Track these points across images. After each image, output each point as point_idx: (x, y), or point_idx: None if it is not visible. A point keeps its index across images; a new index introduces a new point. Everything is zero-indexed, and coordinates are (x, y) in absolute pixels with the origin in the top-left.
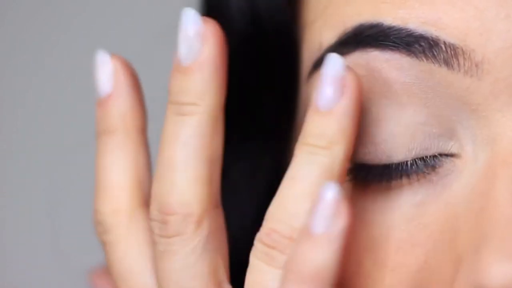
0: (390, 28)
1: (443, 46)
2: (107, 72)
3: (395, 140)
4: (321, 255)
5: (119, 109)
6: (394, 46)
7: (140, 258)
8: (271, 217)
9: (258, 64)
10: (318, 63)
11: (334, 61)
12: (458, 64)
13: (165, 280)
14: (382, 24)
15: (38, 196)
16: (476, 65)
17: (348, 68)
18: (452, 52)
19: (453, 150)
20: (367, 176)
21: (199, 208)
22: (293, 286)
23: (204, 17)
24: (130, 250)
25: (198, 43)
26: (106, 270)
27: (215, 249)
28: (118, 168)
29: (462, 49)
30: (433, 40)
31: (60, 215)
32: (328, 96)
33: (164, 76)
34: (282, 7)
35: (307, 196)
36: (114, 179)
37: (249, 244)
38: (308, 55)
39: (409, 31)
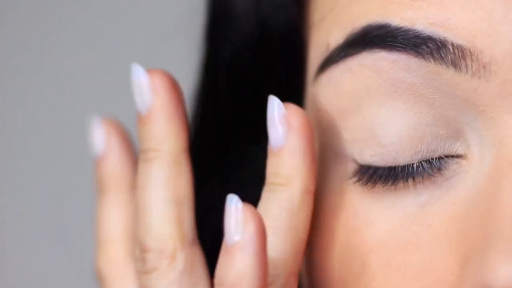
0: (397, 29)
1: (450, 47)
2: (99, 135)
3: (402, 142)
4: (238, 263)
5: (110, 170)
6: (402, 47)
7: None
8: None
9: (264, 64)
10: (325, 64)
11: (274, 103)
12: (466, 66)
13: None
14: (390, 25)
15: (38, 196)
16: (484, 67)
17: (290, 106)
18: (460, 54)
19: (460, 151)
20: (372, 177)
21: (171, 245)
22: None
23: (151, 69)
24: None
25: (148, 94)
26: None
27: (193, 283)
28: (111, 223)
29: (470, 51)
30: (440, 42)
31: (61, 214)
32: (275, 137)
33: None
34: (289, 7)
35: (272, 230)
36: (108, 233)
37: None
38: (315, 56)
39: (417, 32)
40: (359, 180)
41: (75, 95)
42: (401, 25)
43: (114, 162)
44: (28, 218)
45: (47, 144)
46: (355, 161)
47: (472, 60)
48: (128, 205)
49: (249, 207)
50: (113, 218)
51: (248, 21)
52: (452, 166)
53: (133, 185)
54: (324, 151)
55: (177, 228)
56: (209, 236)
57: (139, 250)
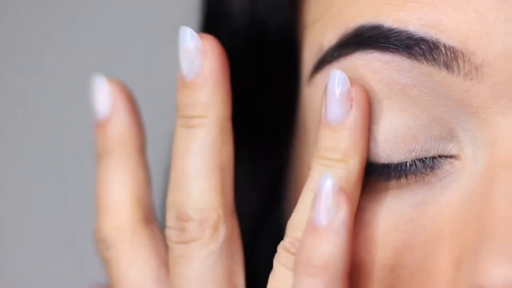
0: (390, 30)
1: (443, 49)
2: (104, 96)
3: (397, 140)
4: (328, 246)
5: (117, 131)
6: (395, 48)
7: (143, 273)
8: (294, 226)
9: (258, 64)
10: (319, 65)
11: (338, 77)
12: (458, 67)
13: (181, 286)
14: (383, 26)
15: (38, 196)
16: (476, 68)
17: (354, 81)
18: (452, 55)
19: (453, 151)
20: (366, 173)
21: (214, 215)
22: (305, 280)
23: (201, 33)
24: (133, 265)
25: (198, 58)
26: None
27: (231, 255)
28: (118, 187)
29: (462, 52)
30: (433, 43)
31: (62, 215)
32: (336, 111)
33: (163, 76)
34: (284, 7)
35: None
36: (115, 197)
37: (249, 246)
38: (309, 56)
39: (409, 33)
40: None
41: (75, 95)
42: (394, 26)
43: (120, 124)
44: (28, 218)
45: (48, 144)
46: None
47: (464, 61)
48: (136, 168)
49: (343, 191)
50: (120, 182)
51: (243, 21)
52: (446, 166)
53: (141, 148)
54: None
55: (220, 197)
56: None
57: (175, 219)
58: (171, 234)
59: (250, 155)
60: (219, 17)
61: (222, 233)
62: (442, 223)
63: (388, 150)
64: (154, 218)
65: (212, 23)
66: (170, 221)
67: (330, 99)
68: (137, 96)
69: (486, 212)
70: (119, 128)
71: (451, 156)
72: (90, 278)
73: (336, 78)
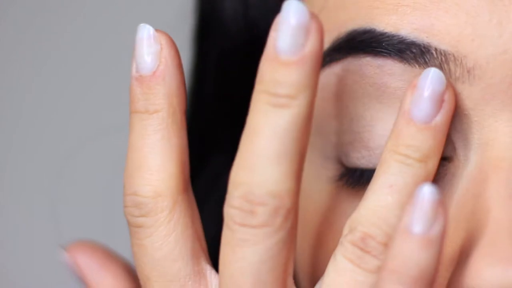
0: (382, 34)
1: (434, 52)
2: (152, 49)
3: None
4: (425, 256)
5: (165, 88)
6: (386, 53)
7: (178, 246)
8: (364, 221)
9: (252, 68)
10: None
11: (436, 76)
12: (450, 71)
13: (240, 269)
14: (375, 30)
15: (39, 196)
16: (468, 71)
17: (448, 83)
18: (443, 59)
19: (446, 153)
20: (360, 180)
21: (289, 202)
22: (393, 287)
23: (311, 11)
24: (168, 237)
25: (303, 37)
26: (92, 246)
27: (291, 244)
28: (162, 150)
29: (454, 56)
30: (424, 47)
31: (62, 214)
32: (426, 110)
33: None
34: (276, 11)
35: (402, 206)
36: (158, 160)
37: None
38: None
39: (401, 37)
40: (347, 182)
41: (75, 95)
42: (386, 30)
43: (169, 82)
44: (28, 218)
45: (48, 143)
46: (342, 163)
47: (456, 65)
48: (181, 132)
49: (442, 201)
50: (165, 145)
51: (237, 25)
52: (439, 168)
53: (185, 111)
54: (312, 154)
55: (296, 184)
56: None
57: (243, 200)
58: (235, 214)
59: None
60: (212, 21)
61: (290, 221)
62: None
63: (380, 154)
64: (191, 187)
65: (206, 26)
66: (236, 200)
67: (422, 96)
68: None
69: (478, 214)
70: (167, 86)
71: (443, 158)
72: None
73: (433, 76)
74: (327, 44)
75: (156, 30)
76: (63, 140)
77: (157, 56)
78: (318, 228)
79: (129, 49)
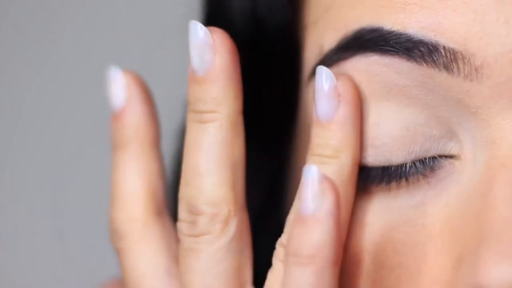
0: (390, 33)
1: (442, 51)
2: (119, 87)
3: (395, 142)
4: (316, 235)
5: (132, 123)
6: (394, 51)
7: (153, 264)
8: (288, 224)
9: (258, 65)
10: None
11: (324, 74)
12: (458, 69)
13: (190, 279)
14: (382, 29)
15: (39, 196)
16: (476, 70)
17: (341, 76)
18: (452, 57)
19: (453, 151)
20: (366, 179)
21: (225, 209)
22: (295, 270)
23: (212, 27)
24: (143, 256)
25: (209, 53)
26: (117, 282)
27: (240, 250)
28: (132, 179)
29: (462, 54)
30: (432, 46)
31: (62, 215)
32: (325, 108)
33: (164, 76)
34: (284, 8)
35: None
36: (129, 188)
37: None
38: (309, 57)
39: (409, 36)
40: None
41: (76, 94)
42: (393, 29)
43: (135, 115)
44: (28, 218)
45: (48, 143)
46: None
47: (464, 63)
48: (150, 161)
49: (327, 179)
50: (134, 174)
51: (244, 21)
52: (446, 166)
53: (156, 141)
54: None
55: (231, 192)
56: None
57: (187, 212)
58: (183, 227)
59: (251, 154)
60: (220, 17)
61: (232, 227)
62: (442, 223)
63: (387, 153)
64: (166, 211)
65: (213, 23)
66: (182, 214)
67: (319, 96)
68: None
69: (486, 212)
70: (134, 120)
71: (451, 156)
72: (91, 279)
73: (322, 75)
74: (334, 43)
75: (123, 70)
76: (63, 140)
77: (123, 93)
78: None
79: (134, 48)
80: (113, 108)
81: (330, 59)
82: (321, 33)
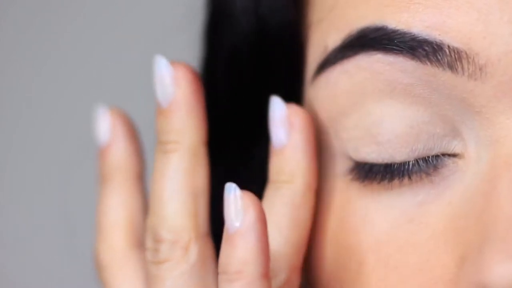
0: (394, 31)
1: (447, 50)
2: (105, 125)
3: (399, 140)
4: (240, 250)
5: (116, 158)
6: (398, 50)
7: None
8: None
9: (263, 64)
10: (322, 66)
11: (277, 105)
12: (462, 68)
13: None
14: (387, 28)
15: (40, 196)
16: (480, 69)
17: (292, 107)
18: (456, 56)
19: (456, 150)
20: (368, 174)
21: (185, 236)
22: (226, 285)
23: (174, 62)
24: (123, 286)
25: (171, 86)
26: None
27: (203, 276)
28: (115, 211)
29: (466, 53)
30: (437, 45)
31: (62, 215)
32: (278, 137)
33: None
34: (288, 7)
35: (275, 226)
36: (111, 220)
37: None
38: (313, 57)
39: (413, 35)
40: (356, 177)
41: (76, 93)
42: (398, 28)
43: (119, 151)
44: (28, 218)
45: (50, 143)
46: (351, 158)
47: (468, 62)
48: (132, 195)
49: (248, 194)
50: (116, 207)
51: (247, 21)
52: (449, 165)
53: (139, 176)
54: (321, 151)
55: (192, 220)
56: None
57: (151, 240)
58: (148, 254)
59: (254, 155)
60: (223, 17)
61: (193, 254)
62: (445, 222)
63: (390, 151)
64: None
65: (216, 22)
66: (147, 242)
67: (271, 124)
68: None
69: (489, 211)
70: (118, 156)
71: (454, 155)
72: (91, 279)
73: (274, 104)
74: (338, 41)
75: (109, 108)
76: (64, 139)
77: (109, 131)
78: (329, 225)
79: (134, 48)
80: (100, 144)
81: (334, 57)
82: (325, 32)
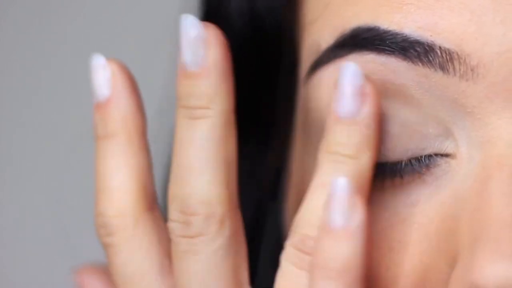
0: (386, 32)
1: (438, 51)
2: (104, 76)
3: (392, 140)
4: (345, 249)
5: (119, 113)
6: (390, 51)
7: (145, 261)
8: (304, 223)
9: (256, 64)
10: (315, 66)
11: (352, 70)
12: (454, 69)
13: (187, 281)
14: (379, 28)
15: (39, 195)
16: (472, 70)
17: (366, 77)
18: (448, 57)
19: (449, 150)
20: None
21: (220, 209)
22: (322, 283)
23: (205, 22)
24: (135, 253)
25: (202, 48)
26: (97, 269)
27: (237, 250)
28: (121, 172)
29: (458, 54)
30: (428, 46)
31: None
32: (349, 106)
33: (161, 75)
34: (282, 7)
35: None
36: (118, 182)
37: (248, 243)
38: (306, 56)
39: (405, 36)
40: None
41: (76, 94)
42: (390, 28)
43: (122, 106)
44: (28, 218)
45: (49, 143)
46: None
47: (460, 63)
48: (139, 153)
49: (357, 193)
50: (122, 167)
51: (242, 21)
52: (441, 165)
53: (143, 132)
54: (315, 150)
55: (226, 191)
56: None
57: (179, 212)
58: (175, 227)
59: (248, 154)
60: (217, 17)
61: (228, 227)
62: (437, 222)
63: (383, 150)
64: (157, 205)
65: (211, 21)
66: (174, 214)
67: (343, 93)
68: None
69: (481, 211)
70: (121, 110)
71: (447, 155)
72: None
73: (350, 71)
74: (331, 40)
75: (108, 58)
76: (64, 139)
77: (109, 83)
78: None
79: (130, 46)
80: (98, 98)
81: (327, 56)
82: (318, 32)
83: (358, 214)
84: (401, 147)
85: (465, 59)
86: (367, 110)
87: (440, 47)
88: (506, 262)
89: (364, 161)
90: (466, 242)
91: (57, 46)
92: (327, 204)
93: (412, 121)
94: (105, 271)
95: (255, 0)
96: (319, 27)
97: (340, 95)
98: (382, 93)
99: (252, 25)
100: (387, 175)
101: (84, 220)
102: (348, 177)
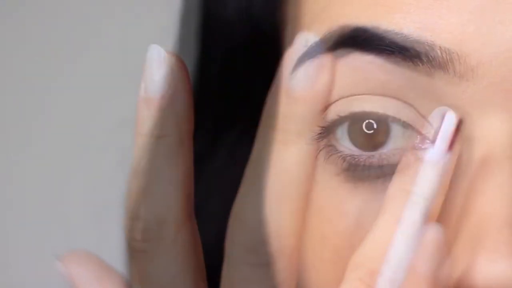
0: (385, 32)
1: (438, 51)
2: (161, 71)
3: (392, 140)
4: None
5: (174, 114)
6: (390, 51)
7: (182, 273)
8: (371, 256)
9: (256, 64)
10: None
11: (453, 120)
12: (454, 69)
13: None
14: (378, 28)
15: (39, 195)
16: (472, 70)
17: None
18: (448, 57)
19: None
20: (360, 176)
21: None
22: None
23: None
24: (172, 263)
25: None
26: (87, 257)
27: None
28: (167, 177)
29: (457, 54)
30: (428, 45)
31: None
32: (439, 152)
33: None
34: (280, 7)
35: (409, 243)
36: (164, 186)
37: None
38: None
39: (404, 36)
40: (346, 178)
41: (76, 96)
42: (389, 28)
43: (178, 106)
44: (28, 218)
45: (49, 143)
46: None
47: (460, 63)
48: (188, 157)
49: (445, 241)
50: (172, 169)
51: (240, 21)
52: None
53: (192, 136)
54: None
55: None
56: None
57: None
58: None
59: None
60: (216, 18)
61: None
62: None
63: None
64: (194, 215)
65: (209, 23)
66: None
67: (437, 138)
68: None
69: (480, 212)
70: (175, 110)
71: None
72: None
73: (451, 120)
74: (331, 40)
75: (168, 52)
76: (64, 139)
77: (166, 78)
78: (319, 228)
79: (128, 47)
80: (150, 93)
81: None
82: (318, 31)
83: (446, 263)
84: (401, 147)
85: (465, 59)
86: (452, 158)
87: (440, 47)
88: (505, 262)
89: (437, 203)
90: (464, 241)
91: (57, 46)
92: (421, 252)
93: (410, 122)
94: (97, 261)
95: (253, 2)
96: (319, 28)
97: (438, 141)
98: (382, 94)
99: (251, 25)
100: (387, 175)
101: (84, 220)
102: (421, 217)
